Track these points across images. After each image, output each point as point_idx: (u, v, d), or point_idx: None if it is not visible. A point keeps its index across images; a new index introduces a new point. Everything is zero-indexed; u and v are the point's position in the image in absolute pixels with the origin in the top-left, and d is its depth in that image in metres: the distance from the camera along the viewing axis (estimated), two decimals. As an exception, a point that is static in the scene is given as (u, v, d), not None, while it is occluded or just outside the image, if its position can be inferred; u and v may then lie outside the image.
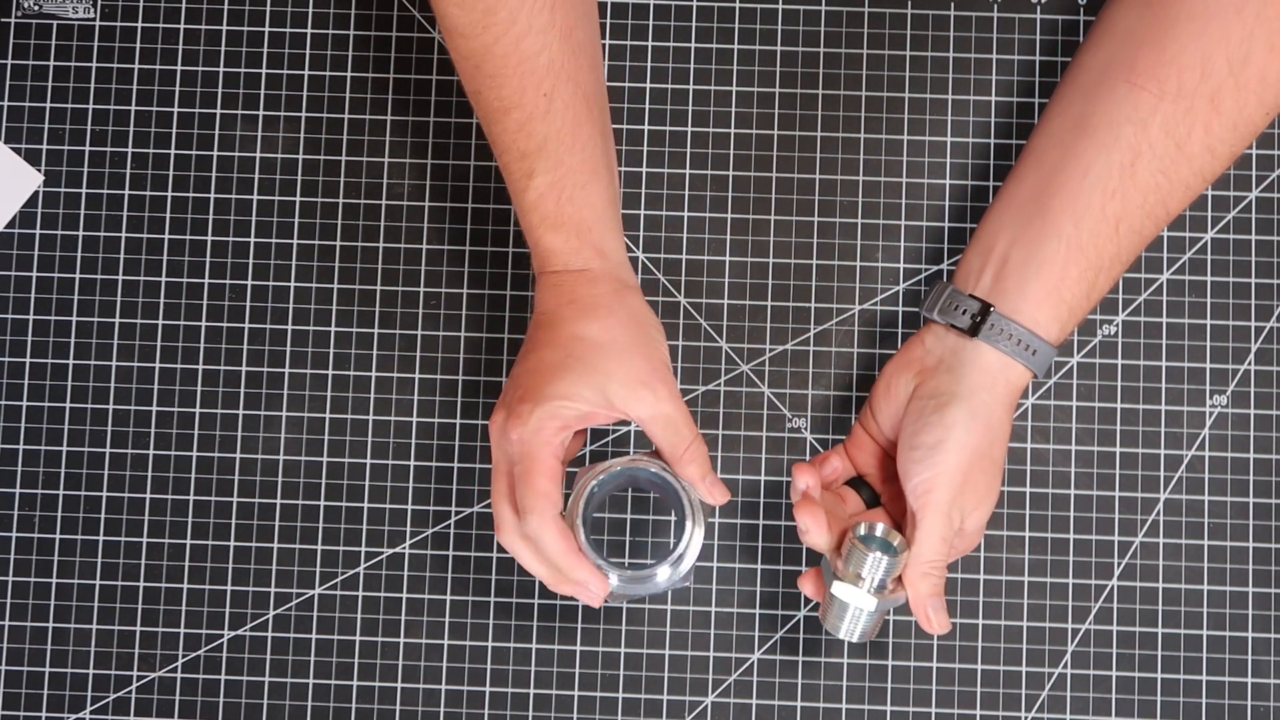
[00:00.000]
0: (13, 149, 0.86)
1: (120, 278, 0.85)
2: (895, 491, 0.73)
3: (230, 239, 0.86)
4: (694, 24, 0.87)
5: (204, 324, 0.85)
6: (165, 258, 0.85)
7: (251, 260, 0.85)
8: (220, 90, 0.87)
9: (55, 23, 0.87)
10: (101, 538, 0.84)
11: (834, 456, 0.74)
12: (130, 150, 0.86)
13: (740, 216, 0.85)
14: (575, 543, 0.69)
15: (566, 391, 0.68)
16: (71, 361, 0.85)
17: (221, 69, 0.87)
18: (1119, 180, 0.68)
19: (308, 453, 0.84)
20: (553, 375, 0.69)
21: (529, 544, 0.69)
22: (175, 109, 0.86)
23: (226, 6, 0.87)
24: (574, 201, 0.71)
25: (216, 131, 0.86)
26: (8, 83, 0.87)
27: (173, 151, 0.86)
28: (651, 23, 0.87)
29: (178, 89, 0.87)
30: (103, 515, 0.84)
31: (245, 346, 0.85)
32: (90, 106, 0.86)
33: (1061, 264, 0.68)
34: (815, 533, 0.69)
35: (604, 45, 0.86)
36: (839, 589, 0.69)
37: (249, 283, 0.85)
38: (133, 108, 0.86)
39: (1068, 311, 0.69)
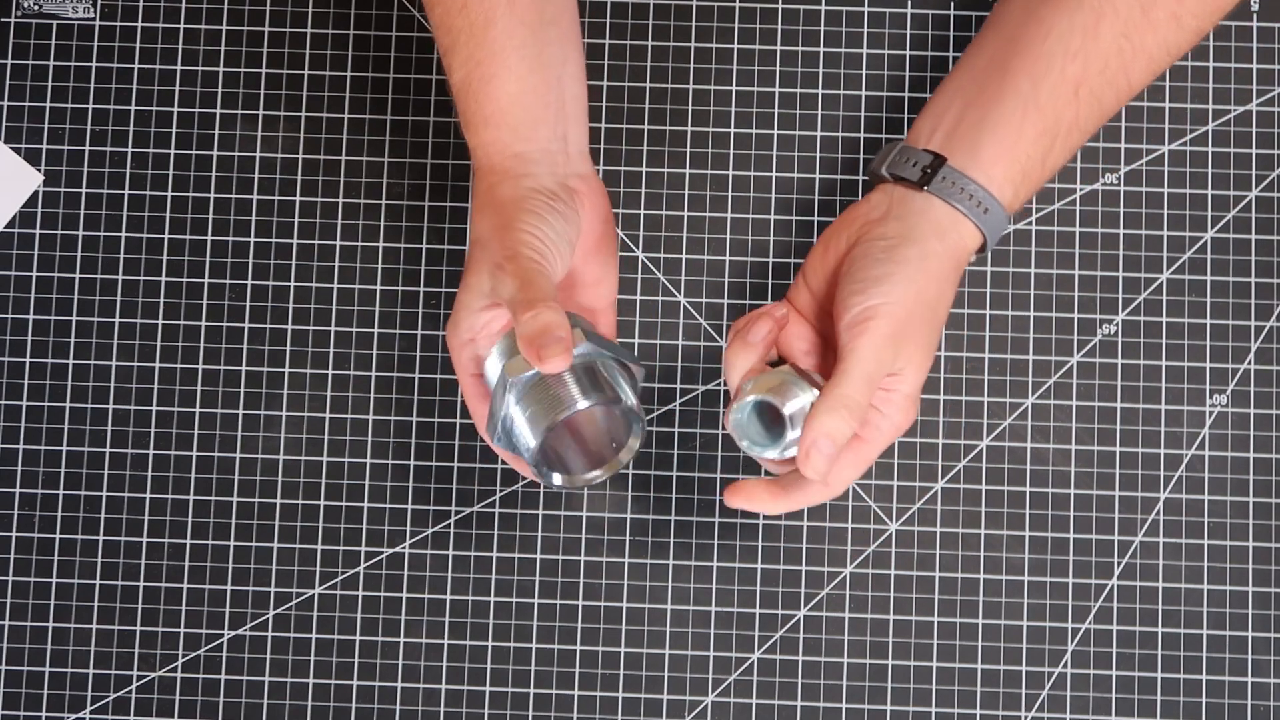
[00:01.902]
0: (13, 149, 0.86)
1: (120, 278, 0.85)
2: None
3: (230, 239, 0.85)
4: (694, 24, 0.87)
5: (204, 324, 0.85)
6: (165, 258, 0.85)
7: (251, 260, 0.85)
8: (220, 90, 0.87)
9: (55, 23, 0.87)
10: (101, 538, 0.84)
11: (782, 306, 0.70)
12: (130, 150, 0.86)
13: (740, 216, 0.85)
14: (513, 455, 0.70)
15: (463, 300, 0.69)
16: (71, 361, 0.85)
17: (221, 69, 0.87)
18: (1080, 42, 0.67)
19: (308, 453, 0.84)
20: (460, 285, 0.70)
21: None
22: (175, 109, 0.86)
23: (226, 6, 0.87)
24: (478, 97, 0.71)
25: (216, 131, 0.86)
26: (8, 83, 0.87)
27: (173, 151, 0.86)
28: (651, 23, 0.87)
29: (178, 89, 0.87)
30: (103, 515, 0.84)
31: (245, 346, 0.85)
32: (90, 106, 0.86)
33: (1018, 123, 0.66)
34: (737, 370, 0.67)
35: (604, 45, 0.86)
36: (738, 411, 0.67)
37: (249, 283, 0.85)
38: (133, 108, 0.86)
39: (1021, 173, 0.67)
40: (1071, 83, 0.67)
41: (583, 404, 0.66)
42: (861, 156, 0.85)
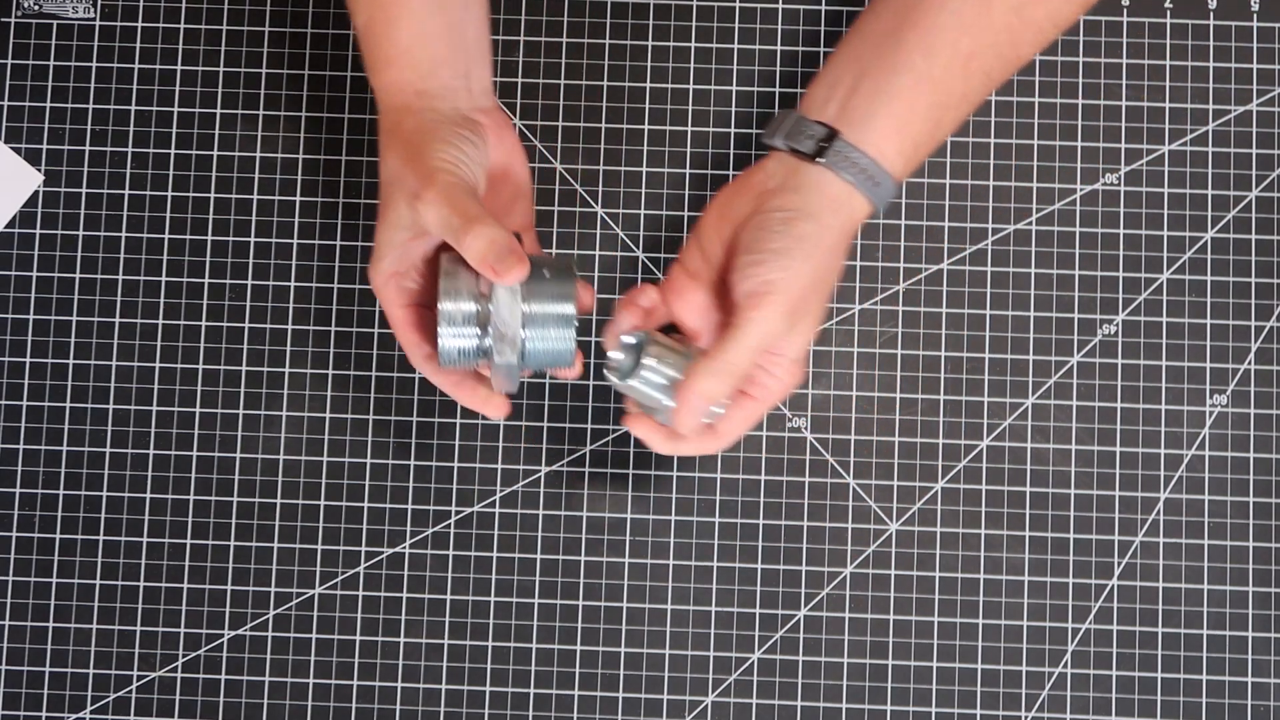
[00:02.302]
0: (13, 149, 0.86)
1: (120, 278, 0.85)
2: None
3: (230, 239, 0.85)
4: (694, 24, 0.87)
5: (204, 324, 0.85)
6: (165, 258, 0.85)
7: (251, 260, 0.85)
8: (220, 90, 0.87)
9: (55, 23, 0.87)
10: (101, 538, 0.84)
11: (651, 291, 0.72)
12: (130, 150, 0.86)
13: (740, 216, 0.85)
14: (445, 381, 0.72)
15: (384, 237, 0.70)
16: (71, 361, 0.85)
17: (221, 69, 0.87)
18: (974, 16, 0.68)
19: (308, 453, 0.84)
20: (378, 223, 0.71)
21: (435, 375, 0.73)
22: (175, 109, 0.86)
23: (226, 6, 0.87)
24: (380, 40, 0.72)
25: (216, 131, 0.86)
26: (8, 83, 0.87)
27: (173, 151, 0.86)
28: (651, 23, 0.87)
29: (178, 89, 0.87)
30: (103, 515, 0.84)
31: (245, 346, 0.85)
32: (90, 106, 0.86)
33: (911, 97, 0.68)
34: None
35: (604, 45, 0.86)
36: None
37: (249, 283, 0.85)
38: (133, 108, 0.86)
39: (912, 146, 0.68)
40: (964, 57, 0.68)
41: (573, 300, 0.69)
42: (861, 156, 0.85)
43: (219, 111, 0.86)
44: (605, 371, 0.71)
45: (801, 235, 0.67)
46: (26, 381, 0.85)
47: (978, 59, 0.68)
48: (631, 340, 0.71)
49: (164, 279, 0.85)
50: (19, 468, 0.84)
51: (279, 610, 0.83)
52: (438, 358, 0.69)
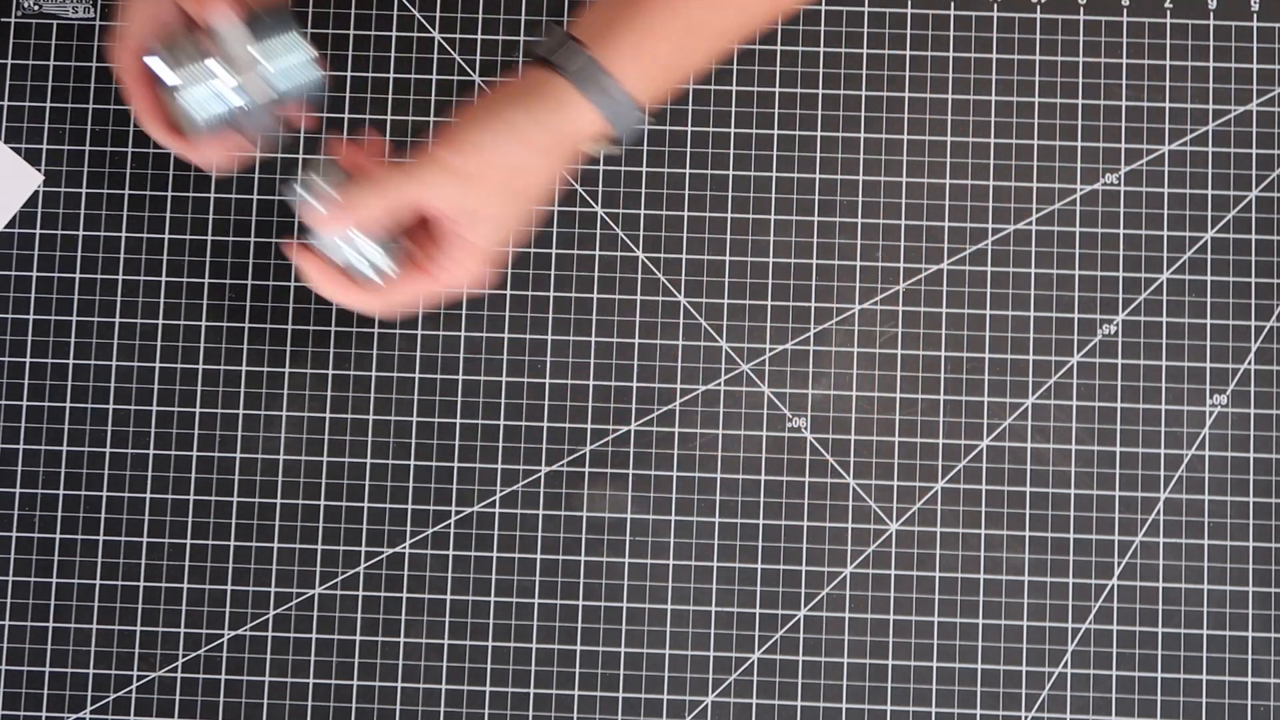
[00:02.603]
0: (13, 149, 0.86)
1: (120, 278, 0.85)
2: None
3: (230, 239, 0.85)
4: (694, 24, 0.87)
5: (204, 324, 0.85)
6: (165, 258, 0.85)
7: (251, 260, 0.85)
8: (220, 90, 0.87)
9: (55, 23, 0.87)
10: (101, 538, 0.84)
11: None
12: (130, 150, 0.86)
13: (740, 216, 0.85)
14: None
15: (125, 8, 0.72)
16: (71, 361, 0.85)
17: (221, 69, 0.87)
18: None
19: (308, 453, 0.84)
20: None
21: None
22: (175, 109, 0.86)
23: (226, 6, 0.87)
24: None
25: (216, 131, 0.86)
26: (8, 83, 0.87)
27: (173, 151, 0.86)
28: (651, 23, 0.87)
29: (178, 89, 0.87)
30: (103, 515, 0.84)
31: (245, 346, 0.85)
32: (90, 106, 0.86)
33: (651, 17, 0.69)
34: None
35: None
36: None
37: (249, 283, 0.85)
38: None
39: (656, 66, 0.70)
40: None
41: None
42: (861, 157, 0.85)
43: (219, 111, 0.86)
44: (296, 184, 0.72)
45: (508, 119, 0.69)
46: (26, 381, 0.85)
47: None
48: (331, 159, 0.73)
49: (164, 279, 0.85)
50: (19, 468, 0.84)
51: (279, 610, 0.83)
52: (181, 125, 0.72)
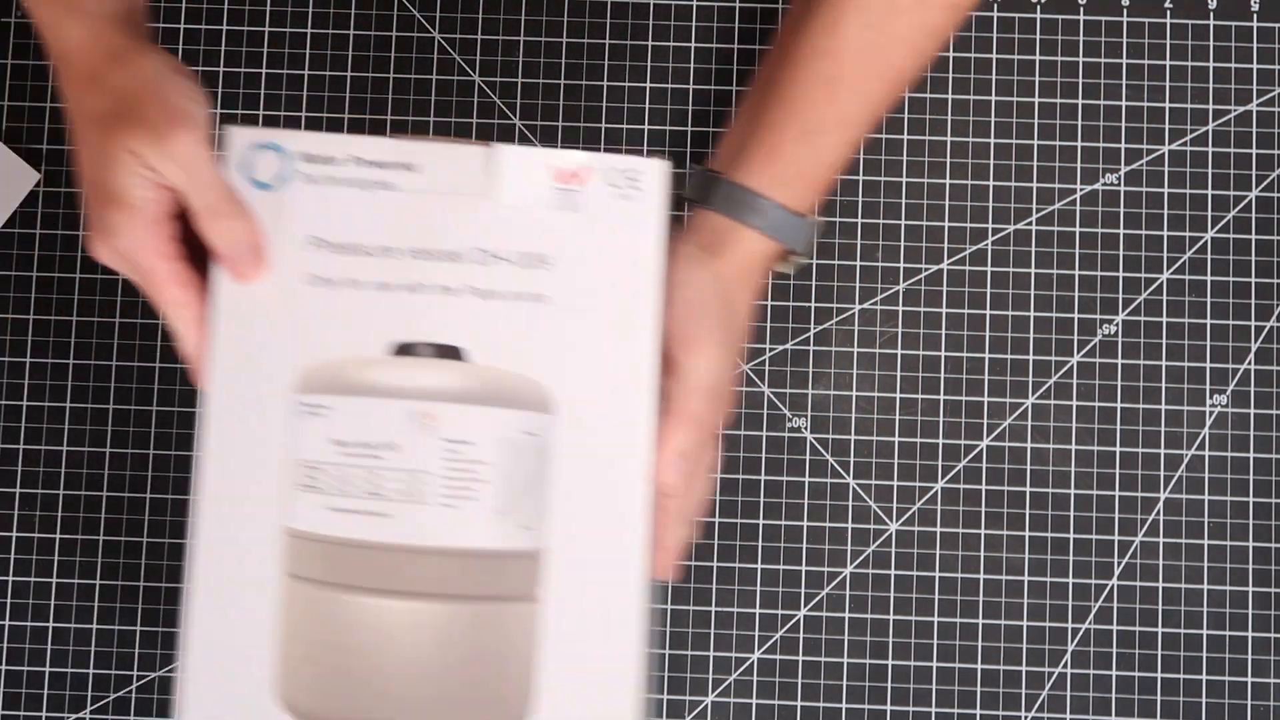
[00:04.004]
0: (12, 148, 0.86)
1: (120, 278, 0.85)
2: None
3: (230, 239, 0.85)
4: (694, 24, 0.87)
5: (204, 324, 0.85)
6: (165, 258, 0.85)
7: (251, 260, 0.85)
8: (220, 90, 0.87)
9: (55, 22, 0.87)
10: (101, 538, 0.84)
11: None
12: (130, 150, 0.86)
13: (740, 216, 0.85)
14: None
15: (119, 191, 0.61)
16: (71, 361, 0.85)
17: (221, 69, 0.87)
18: (826, 40, 0.68)
19: (308, 453, 0.84)
20: (93, 190, 0.62)
21: None
22: (175, 109, 0.86)
23: (226, 6, 0.87)
24: None
25: (216, 131, 0.86)
26: (8, 83, 0.87)
27: (173, 151, 0.86)
28: (652, 23, 0.87)
29: (178, 89, 0.86)
30: (103, 515, 0.84)
31: (245, 346, 0.85)
32: (90, 106, 0.86)
33: (780, 127, 0.69)
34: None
35: (604, 45, 0.86)
36: None
37: (249, 283, 0.85)
38: (133, 108, 0.86)
39: (793, 174, 0.68)
40: (825, 80, 0.69)
41: None
42: (862, 157, 0.85)
43: (219, 111, 0.86)
44: None
45: (697, 283, 0.66)
46: (26, 381, 0.85)
47: (843, 80, 0.69)
48: None
49: (164, 279, 0.85)
50: (19, 468, 0.84)
51: (279, 610, 0.83)
52: None
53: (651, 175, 0.64)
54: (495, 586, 0.61)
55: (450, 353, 0.62)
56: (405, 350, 0.62)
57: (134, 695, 0.83)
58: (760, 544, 0.83)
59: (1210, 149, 0.85)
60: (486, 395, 0.61)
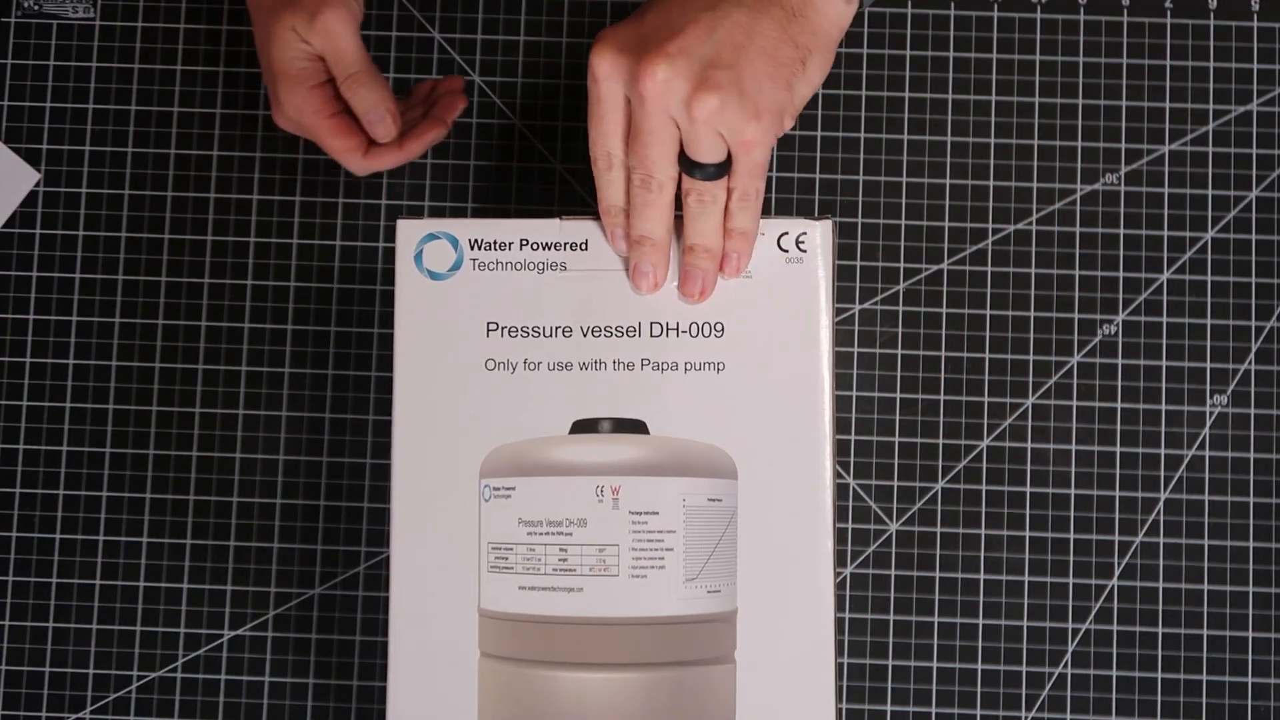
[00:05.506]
0: (12, 149, 0.86)
1: (120, 278, 0.85)
2: None
3: (230, 239, 0.85)
4: (694, 24, 0.87)
5: (204, 324, 0.85)
6: (165, 258, 0.85)
7: (251, 260, 0.85)
8: (220, 90, 0.87)
9: (55, 23, 0.87)
10: (101, 538, 0.84)
11: None
12: (130, 150, 0.86)
13: (740, 216, 0.85)
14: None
15: (281, 65, 0.73)
16: (71, 361, 0.85)
17: (221, 69, 0.87)
18: None
19: (308, 453, 0.84)
20: (267, 62, 0.74)
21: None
22: (175, 109, 0.86)
23: (226, 6, 0.87)
24: None
25: (216, 131, 0.86)
26: (8, 83, 0.87)
27: (173, 151, 0.86)
28: (651, 23, 0.87)
29: (178, 89, 0.87)
30: (103, 515, 0.84)
31: (245, 346, 0.85)
32: (90, 106, 0.86)
33: None
34: None
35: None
36: None
37: (249, 283, 0.85)
38: (133, 108, 0.86)
39: None
40: None
41: None
42: (861, 157, 0.85)
43: (219, 111, 0.86)
44: None
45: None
46: (26, 381, 0.85)
47: None
48: None
49: (164, 279, 0.85)
50: (19, 468, 0.84)
51: (279, 610, 0.83)
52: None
53: (817, 236, 0.64)
54: (690, 651, 0.62)
55: (631, 426, 0.63)
56: (587, 427, 0.62)
57: (134, 695, 0.83)
58: (760, 544, 0.83)
59: (1210, 149, 0.85)
60: (668, 466, 0.62)
